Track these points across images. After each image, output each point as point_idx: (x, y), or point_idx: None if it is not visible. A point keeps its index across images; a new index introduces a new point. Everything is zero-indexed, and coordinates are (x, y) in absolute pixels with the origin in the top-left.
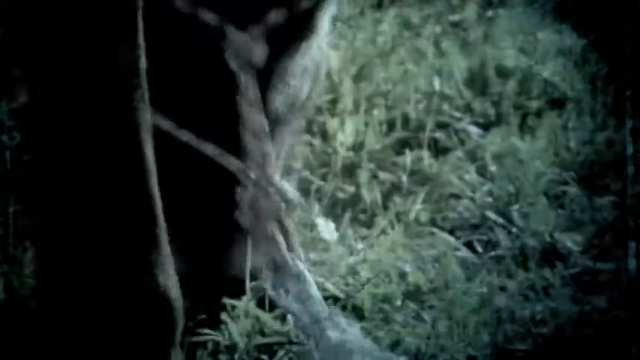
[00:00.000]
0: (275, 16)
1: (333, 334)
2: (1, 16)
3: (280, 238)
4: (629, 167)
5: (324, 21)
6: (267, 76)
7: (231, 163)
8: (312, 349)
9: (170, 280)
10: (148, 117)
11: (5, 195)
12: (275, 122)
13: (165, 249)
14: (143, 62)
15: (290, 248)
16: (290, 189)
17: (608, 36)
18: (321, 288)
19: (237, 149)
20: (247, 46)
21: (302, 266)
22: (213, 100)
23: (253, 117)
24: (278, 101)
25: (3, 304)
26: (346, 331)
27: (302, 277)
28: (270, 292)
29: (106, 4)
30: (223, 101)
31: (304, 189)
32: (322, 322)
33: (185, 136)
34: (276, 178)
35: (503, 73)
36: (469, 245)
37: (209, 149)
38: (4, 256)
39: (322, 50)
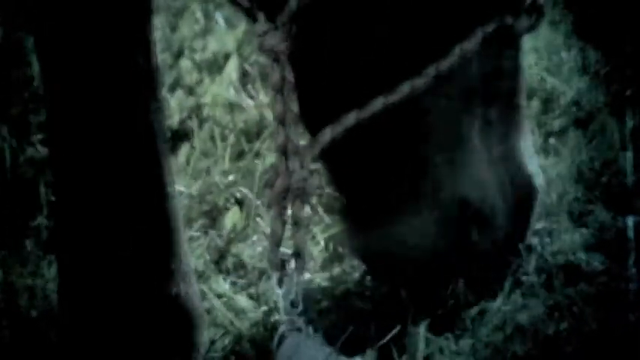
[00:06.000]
0: None
1: None
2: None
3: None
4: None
5: None
6: None
7: None
8: None
9: (191, 289)
10: (163, 123)
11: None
12: None
13: (187, 258)
14: (156, 66)
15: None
16: None
17: (629, 54)
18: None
19: None
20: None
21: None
22: None
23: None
24: None
25: (3, 304)
26: None
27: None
28: None
29: (120, 10)
30: None
31: None
32: None
33: None
34: None
35: (527, 92)
36: None
37: None
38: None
39: None
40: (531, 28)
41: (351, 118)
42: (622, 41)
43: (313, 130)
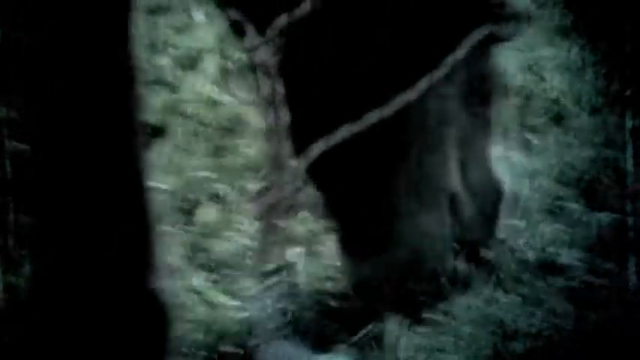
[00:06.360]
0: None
1: None
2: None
3: None
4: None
5: None
6: None
7: None
8: None
9: (163, 285)
10: (141, 119)
11: (4, 196)
12: None
13: (159, 254)
14: (137, 66)
15: None
16: None
17: (611, 52)
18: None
19: None
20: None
21: None
22: None
23: None
24: None
25: (3, 303)
26: None
27: None
28: None
29: (103, 12)
30: None
31: None
32: None
33: None
34: None
35: (508, 89)
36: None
37: None
38: (4, 257)
39: None
40: (513, 35)
41: (344, 132)
42: (607, 39)
43: (302, 144)
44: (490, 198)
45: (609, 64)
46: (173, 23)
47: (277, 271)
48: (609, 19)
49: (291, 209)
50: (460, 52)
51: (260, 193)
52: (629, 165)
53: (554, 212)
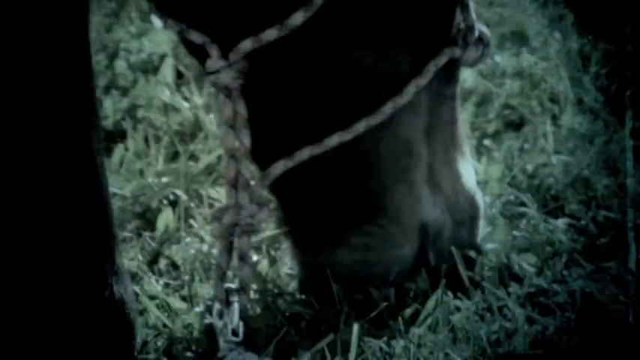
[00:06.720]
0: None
1: None
2: None
3: None
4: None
5: None
6: None
7: None
8: None
9: (126, 291)
10: (98, 124)
11: None
12: None
13: (120, 259)
14: (93, 67)
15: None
16: None
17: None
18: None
19: None
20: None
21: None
22: None
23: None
24: None
25: None
26: None
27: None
28: None
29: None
30: None
31: None
32: None
33: None
34: None
35: (461, 95)
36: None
37: None
38: None
39: None
40: (479, 60)
41: (304, 153)
42: (607, 39)
43: (263, 164)
44: (467, 213)
45: (609, 64)
46: (129, 28)
47: (237, 277)
48: (609, 19)
49: (249, 231)
50: (424, 78)
51: (220, 213)
52: (629, 165)
53: (508, 217)
